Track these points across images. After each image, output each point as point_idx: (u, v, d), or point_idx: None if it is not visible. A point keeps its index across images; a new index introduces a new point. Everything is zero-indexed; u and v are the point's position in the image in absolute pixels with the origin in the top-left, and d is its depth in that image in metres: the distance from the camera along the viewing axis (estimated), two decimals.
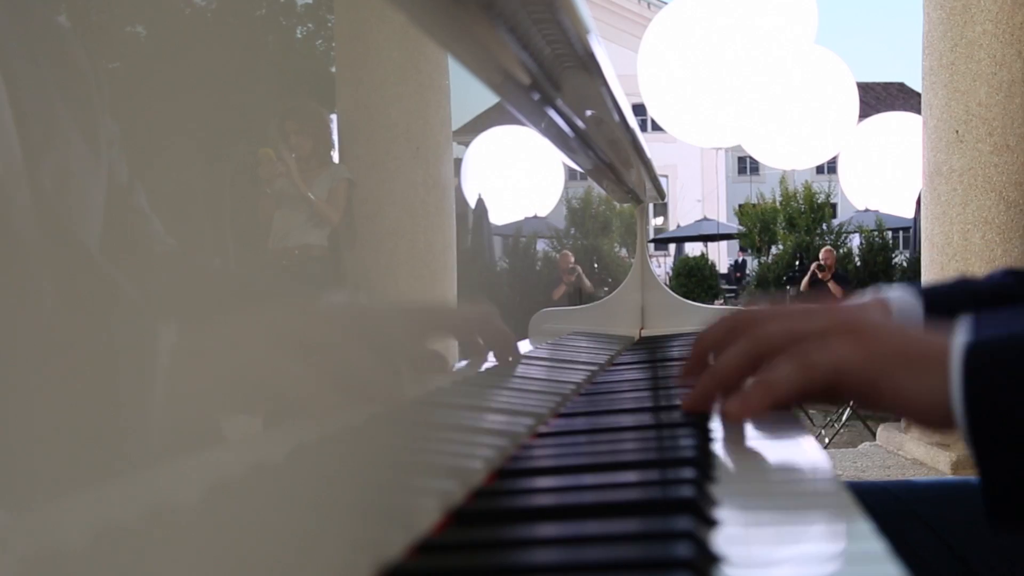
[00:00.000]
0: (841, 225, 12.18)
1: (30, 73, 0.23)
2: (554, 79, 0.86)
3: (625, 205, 1.78)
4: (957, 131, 3.62)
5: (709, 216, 20.35)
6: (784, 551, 0.37)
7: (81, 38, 0.26)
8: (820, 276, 7.71)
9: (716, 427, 0.61)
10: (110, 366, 0.25)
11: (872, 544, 0.35)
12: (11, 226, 0.23)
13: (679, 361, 0.97)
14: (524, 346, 1.10)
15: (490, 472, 0.51)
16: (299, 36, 0.44)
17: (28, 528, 0.21)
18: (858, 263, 10.66)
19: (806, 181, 13.60)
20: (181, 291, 0.30)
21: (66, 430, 0.24)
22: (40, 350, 0.23)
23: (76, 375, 0.24)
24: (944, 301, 0.80)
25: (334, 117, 0.47)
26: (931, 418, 0.54)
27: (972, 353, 0.51)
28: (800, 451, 0.55)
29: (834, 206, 14.30)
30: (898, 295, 0.80)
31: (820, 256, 8.26)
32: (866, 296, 0.82)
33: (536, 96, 0.86)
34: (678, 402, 0.69)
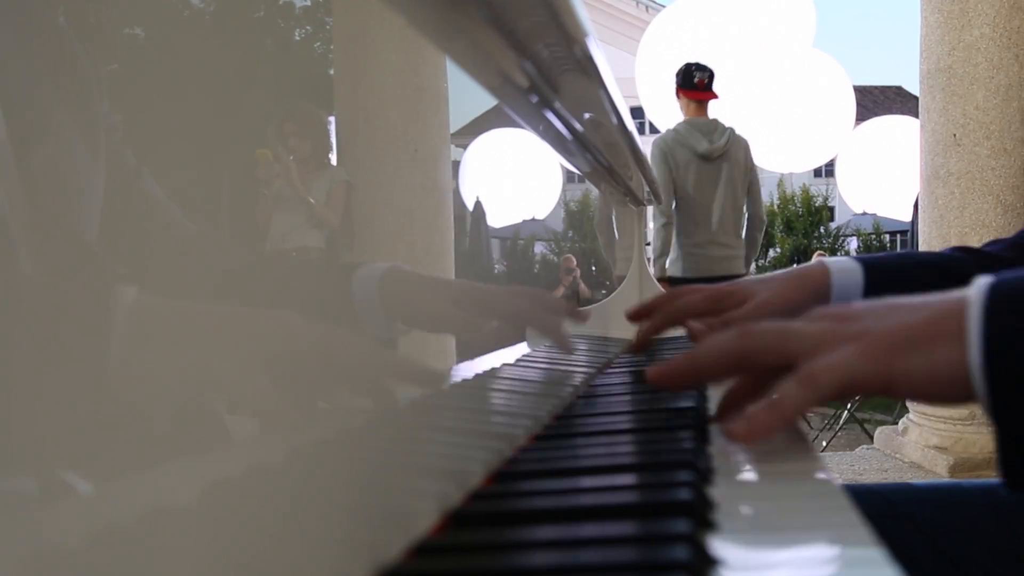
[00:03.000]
0: (839, 228, 12.20)
1: (28, 76, 0.23)
2: (552, 82, 0.86)
3: (624, 207, 1.79)
4: (955, 135, 3.62)
5: None
6: (781, 554, 0.37)
7: (80, 40, 0.26)
8: None
9: (714, 429, 0.61)
10: (107, 364, 0.25)
11: (869, 548, 0.35)
12: (5, 221, 0.23)
13: None
14: (522, 348, 1.10)
15: (488, 474, 0.51)
16: (297, 39, 0.44)
17: (28, 528, 0.21)
18: None
19: (804, 184, 13.61)
20: (180, 291, 0.30)
21: (62, 429, 0.24)
22: (37, 347, 0.23)
23: (72, 372, 0.24)
24: (889, 274, 0.81)
25: (332, 119, 0.47)
26: (952, 391, 0.50)
27: (993, 294, 0.48)
28: (798, 454, 0.55)
29: (832, 209, 14.31)
30: (839, 264, 0.80)
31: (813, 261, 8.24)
32: (810, 263, 0.83)
33: (534, 99, 0.86)
34: (675, 404, 0.69)
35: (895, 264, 0.84)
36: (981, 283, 0.49)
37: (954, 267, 0.86)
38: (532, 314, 0.80)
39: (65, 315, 0.24)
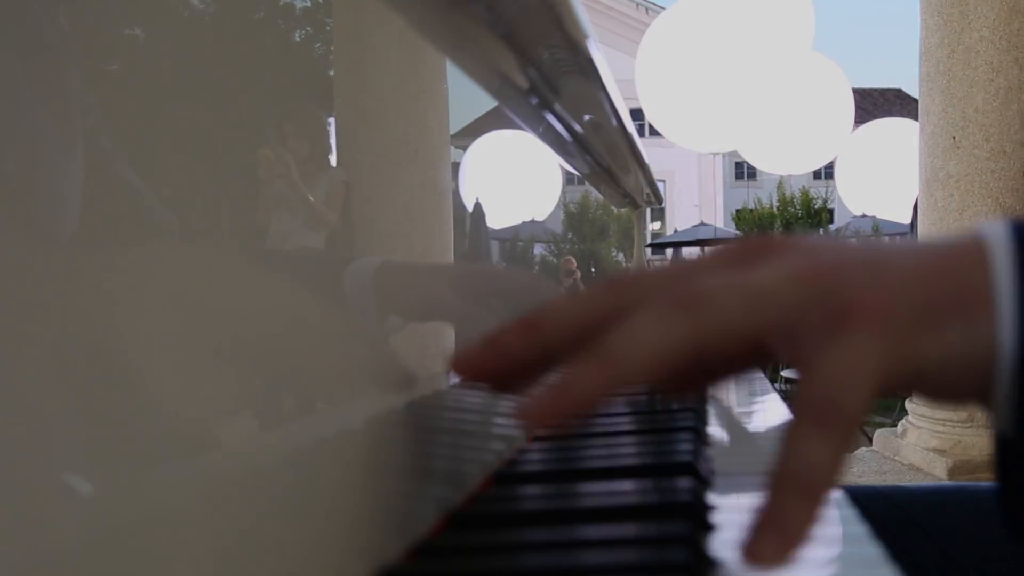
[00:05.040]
0: (838, 230, 12.21)
1: (23, 69, 0.23)
2: (552, 84, 0.86)
3: (622, 209, 1.79)
4: (954, 137, 3.63)
5: (706, 221, 20.35)
6: None
7: (74, 40, 0.26)
8: None
9: (713, 431, 0.61)
10: (104, 365, 0.25)
11: (869, 548, 0.35)
12: (13, 228, 0.22)
13: None
14: None
15: (487, 476, 0.51)
16: (297, 39, 0.44)
17: (27, 528, 0.21)
18: None
19: (803, 187, 13.63)
20: (179, 292, 0.30)
21: (57, 430, 0.23)
22: (32, 347, 0.23)
23: (68, 372, 0.24)
24: None
25: (332, 120, 0.47)
26: (963, 382, 0.34)
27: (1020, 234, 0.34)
28: None
29: (831, 211, 14.32)
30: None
31: None
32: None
33: (534, 100, 0.86)
34: (675, 406, 0.69)
35: None
36: (997, 226, 0.35)
37: None
38: (528, 284, 0.76)
39: (60, 314, 0.24)
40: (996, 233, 0.35)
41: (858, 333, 0.32)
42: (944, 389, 0.34)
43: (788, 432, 0.32)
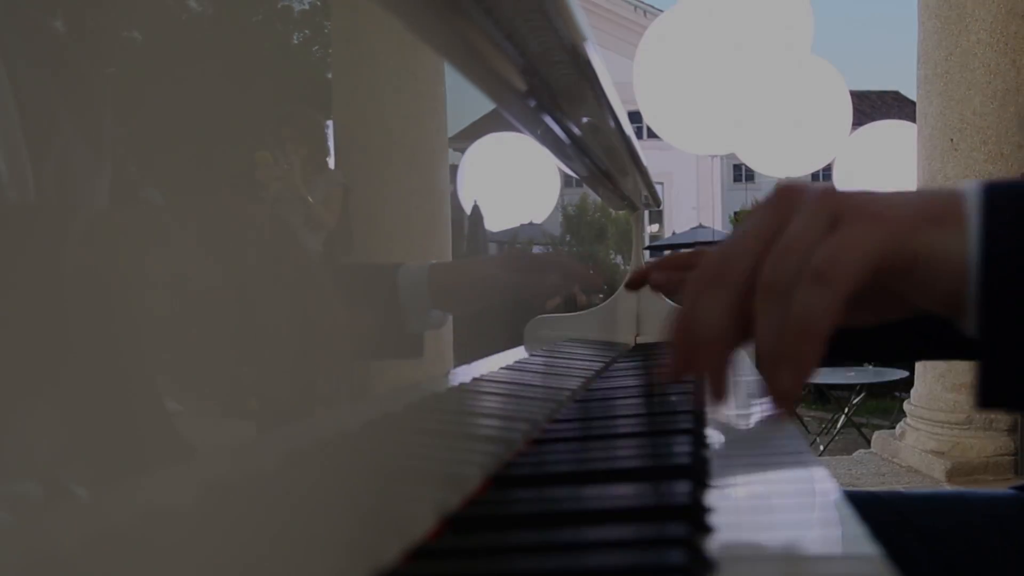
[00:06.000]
0: None
1: (31, 74, 0.23)
2: (551, 86, 0.86)
3: (621, 212, 1.79)
4: (952, 140, 3.63)
5: (705, 223, 20.37)
6: (779, 558, 0.37)
7: (77, 42, 0.26)
8: None
9: (712, 433, 0.61)
10: (108, 367, 0.25)
11: (867, 553, 0.35)
12: (15, 227, 0.23)
13: None
14: (519, 353, 1.09)
15: (485, 478, 0.51)
16: (296, 42, 0.44)
17: (27, 529, 0.21)
18: None
19: None
20: (178, 293, 0.30)
21: (65, 431, 0.23)
22: (40, 350, 0.23)
23: (75, 375, 0.24)
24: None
25: (330, 123, 0.47)
26: (955, 288, 0.45)
27: (988, 191, 0.45)
28: (795, 458, 0.55)
29: None
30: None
31: None
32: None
33: (532, 103, 0.86)
34: (674, 407, 0.69)
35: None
36: (971, 183, 0.46)
37: None
38: (559, 262, 0.90)
39: (70, 318, 0.24)
40: (970, 184, 0.46)
41: (858, 224, 0.44)
42: (927, 285, 0.45)
43: (796, 292, 0.42)
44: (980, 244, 0.43)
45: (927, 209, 0.45)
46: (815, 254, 0.43)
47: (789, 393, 0.43)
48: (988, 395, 0.46)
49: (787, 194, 0.47)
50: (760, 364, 0.45)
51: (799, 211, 0.45)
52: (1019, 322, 0.43)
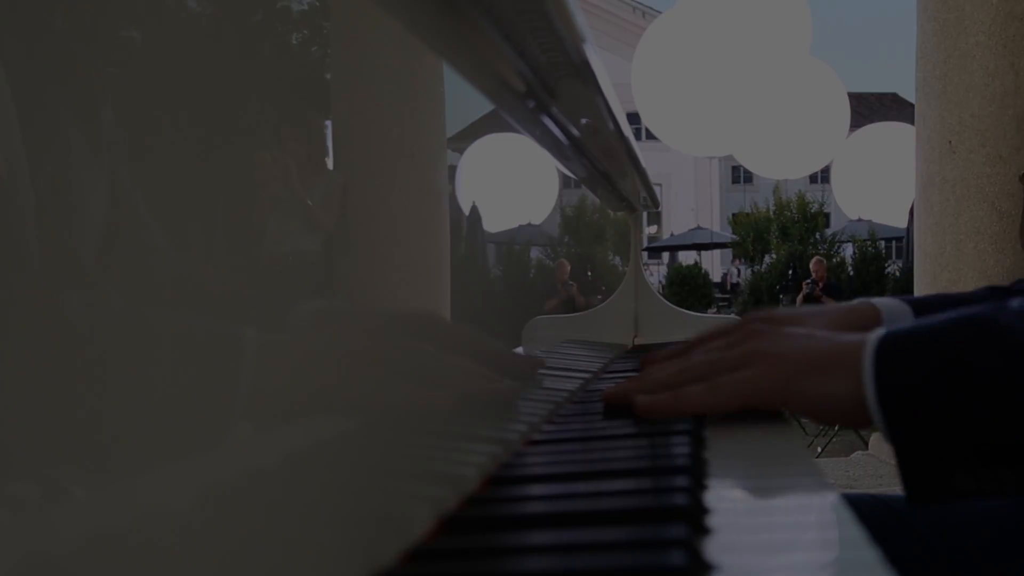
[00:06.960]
0: (834, 235, 12.22)
1: (31, 74, 0.23)
2: (549, 87, 0.86)
3: (619, 213, 1.79)
4: (950, 142, 3.63)
5: (703, 225, 20.39)
6: (777, 559, 0.37)
7: (77, 41, 0.26)
8: (815, 293, 7.74)
9: (711, 434, 0.61)
10: (106, 368, 0.25)
11: (865, 552, 0.35)
12: (12, 229, 0.22)
13: None
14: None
15: (483, 479, 0.51)
16: (294, 42, 0.44)
17: (26, 529, 0.21)
18: (851, 273, 10.70)
19: (799, 191, 13.65)
20: (178, 294, 0.30)
21: (61, 433, 0.23)
22: (38, 352, 0.23)
23: (73, 377, 0.24)
24: (932, 311, 0.80)
25: (328, 123, 0.47)
26: (846, 415, 0.58)
27: (883, 344, 0.56)
28: (794, 460, 0.55)
29: (827, 216, 14.34)
30: (889, 304, 0.81)
31: (811, 269, 8.28)
32: (855, 302, 0.83)
33: (531, 104, 0.86)
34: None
35: (938, 304, 0.84)
36: (877, 331, 0.58)
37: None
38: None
39: (68, 320, 0.24)
40: (876, 332, 0.57)
41: (750, 367, 0.61)
42: (830, 415, 0.60)
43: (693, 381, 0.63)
44: (875, 390, 0.55)
45: (824, 359, 0.59)
46: (720, 377, 0.62)
47: (636, 405, 0.64)
48: (915, 494, 0.58)
49: (743, 322, 0.71)
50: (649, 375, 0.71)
51: (729, 333, 0.68)
52: (921, 431, 0.56)
